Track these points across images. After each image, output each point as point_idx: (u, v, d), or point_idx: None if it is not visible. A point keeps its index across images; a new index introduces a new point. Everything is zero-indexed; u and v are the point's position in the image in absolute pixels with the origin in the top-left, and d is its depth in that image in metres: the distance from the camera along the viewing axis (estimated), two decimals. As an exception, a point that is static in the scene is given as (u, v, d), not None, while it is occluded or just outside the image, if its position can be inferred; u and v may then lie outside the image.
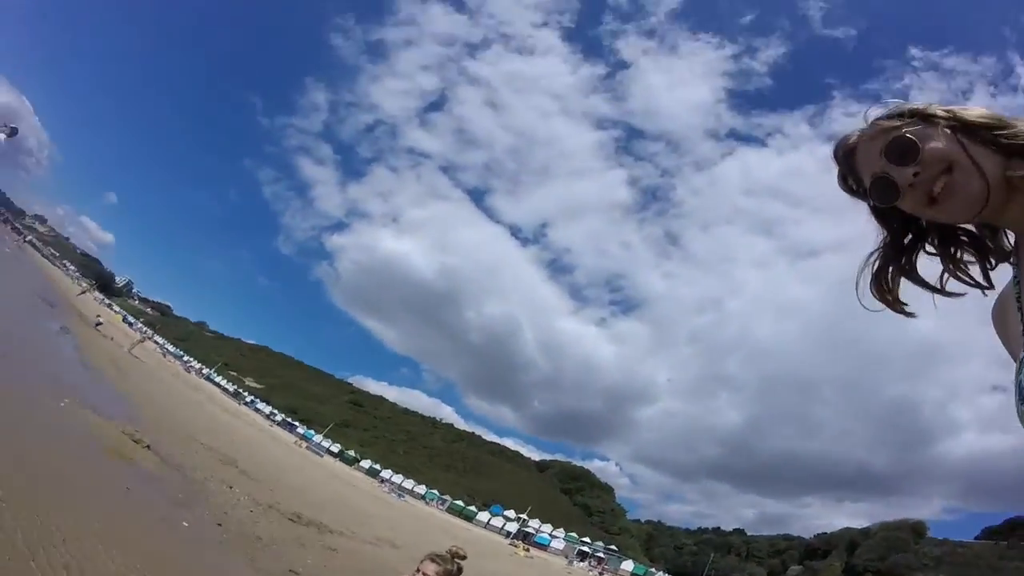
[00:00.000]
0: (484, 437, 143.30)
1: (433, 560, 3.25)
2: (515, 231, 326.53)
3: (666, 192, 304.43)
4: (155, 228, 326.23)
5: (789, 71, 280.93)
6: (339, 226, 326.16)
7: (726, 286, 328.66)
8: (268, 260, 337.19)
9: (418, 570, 3.19)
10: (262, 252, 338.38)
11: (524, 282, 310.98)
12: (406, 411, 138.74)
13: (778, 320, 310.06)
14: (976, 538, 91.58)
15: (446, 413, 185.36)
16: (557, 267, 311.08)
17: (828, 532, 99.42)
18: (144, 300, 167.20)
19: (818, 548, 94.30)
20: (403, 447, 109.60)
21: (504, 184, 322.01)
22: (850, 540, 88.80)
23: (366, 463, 73.06)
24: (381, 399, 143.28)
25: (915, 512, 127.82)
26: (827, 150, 0.88)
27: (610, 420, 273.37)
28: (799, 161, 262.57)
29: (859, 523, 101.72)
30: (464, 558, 3.39)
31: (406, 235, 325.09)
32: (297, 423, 78.56)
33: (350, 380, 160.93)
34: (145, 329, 77.49)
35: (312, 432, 76.24)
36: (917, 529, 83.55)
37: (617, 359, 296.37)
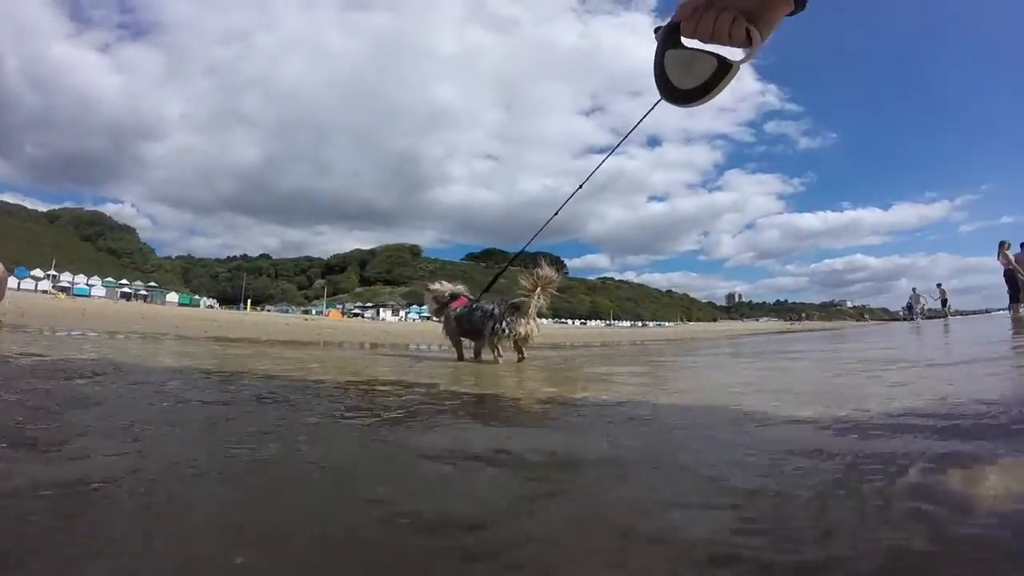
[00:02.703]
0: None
1: None
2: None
3: None
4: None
5: None
6: None
7: (262, 20, 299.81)
8: None
9: None
10: None
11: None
12: None
13: (308, 64, 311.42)
14: (461, 259, 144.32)
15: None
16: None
17: (342, 253, 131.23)
18: None
19: (335, 265, 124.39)
20: None
21: None
22: (361, 259, 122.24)
23: None
24: None
25: (412, 240, 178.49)
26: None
27: (117, 160, 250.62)
28: None
29: (366, 246, 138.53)
30: None
31: None
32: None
33: None
34: None
35: None
36: (414, 251, 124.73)
37: (121, 92, 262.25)
